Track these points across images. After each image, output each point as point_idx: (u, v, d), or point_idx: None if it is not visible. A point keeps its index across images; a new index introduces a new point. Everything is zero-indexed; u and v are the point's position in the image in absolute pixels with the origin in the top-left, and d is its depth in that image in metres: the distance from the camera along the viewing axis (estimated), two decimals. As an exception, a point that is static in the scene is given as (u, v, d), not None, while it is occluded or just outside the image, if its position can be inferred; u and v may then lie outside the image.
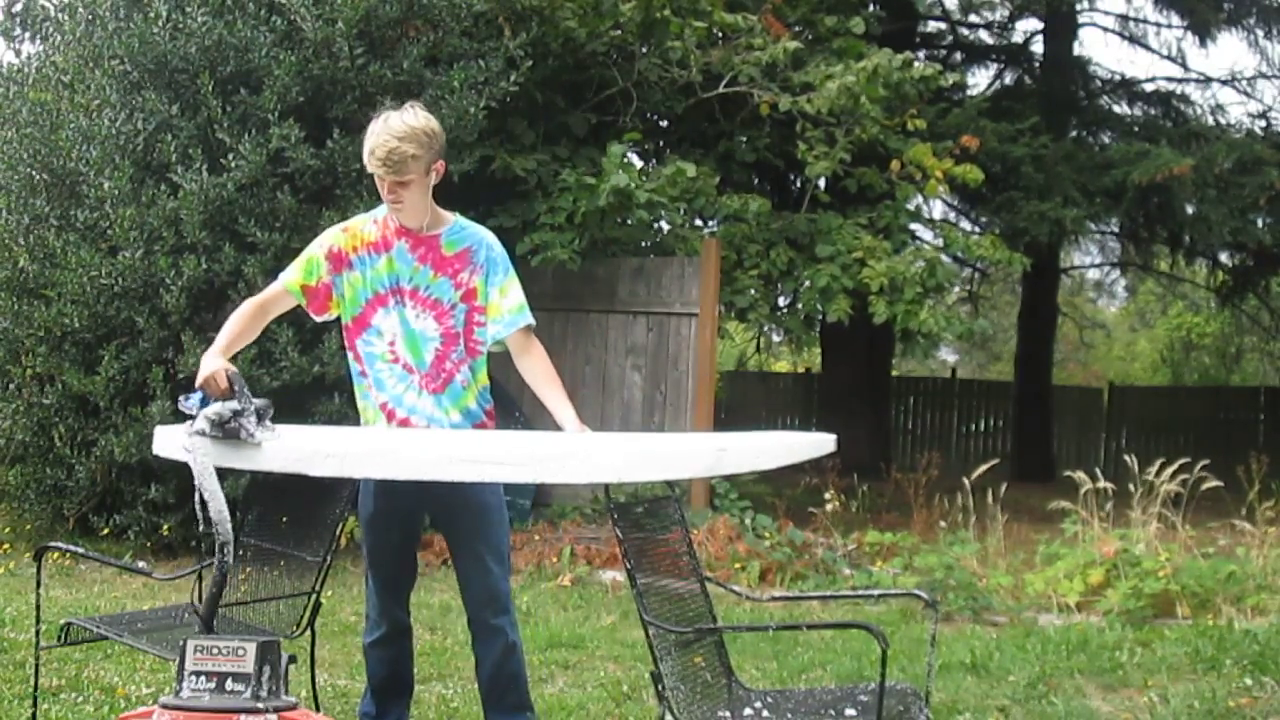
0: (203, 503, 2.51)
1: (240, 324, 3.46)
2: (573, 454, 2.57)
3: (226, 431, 2.69)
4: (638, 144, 9.88)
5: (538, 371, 3.58)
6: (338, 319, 3.70)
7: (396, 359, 3.59)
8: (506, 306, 3.59)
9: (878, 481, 9.96)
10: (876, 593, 6.37)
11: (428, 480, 2.67)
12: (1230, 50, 32.46)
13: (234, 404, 2.72)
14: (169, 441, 2.77)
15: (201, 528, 2.53)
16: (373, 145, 3.40)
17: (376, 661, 3.76)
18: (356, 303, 3.59)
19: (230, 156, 7.23)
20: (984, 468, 7.32)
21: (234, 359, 3.32)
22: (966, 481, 7.30)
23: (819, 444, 2.98)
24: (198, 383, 3.01)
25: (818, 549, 7.69)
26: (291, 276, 3.57)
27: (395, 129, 3.39)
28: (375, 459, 2.64)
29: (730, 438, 3.21)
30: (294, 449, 2.65)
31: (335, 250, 3.56)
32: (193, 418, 2.72)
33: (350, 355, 3.69)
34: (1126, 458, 7.31)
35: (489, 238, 3.67)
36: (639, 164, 10.32)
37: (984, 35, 17.43)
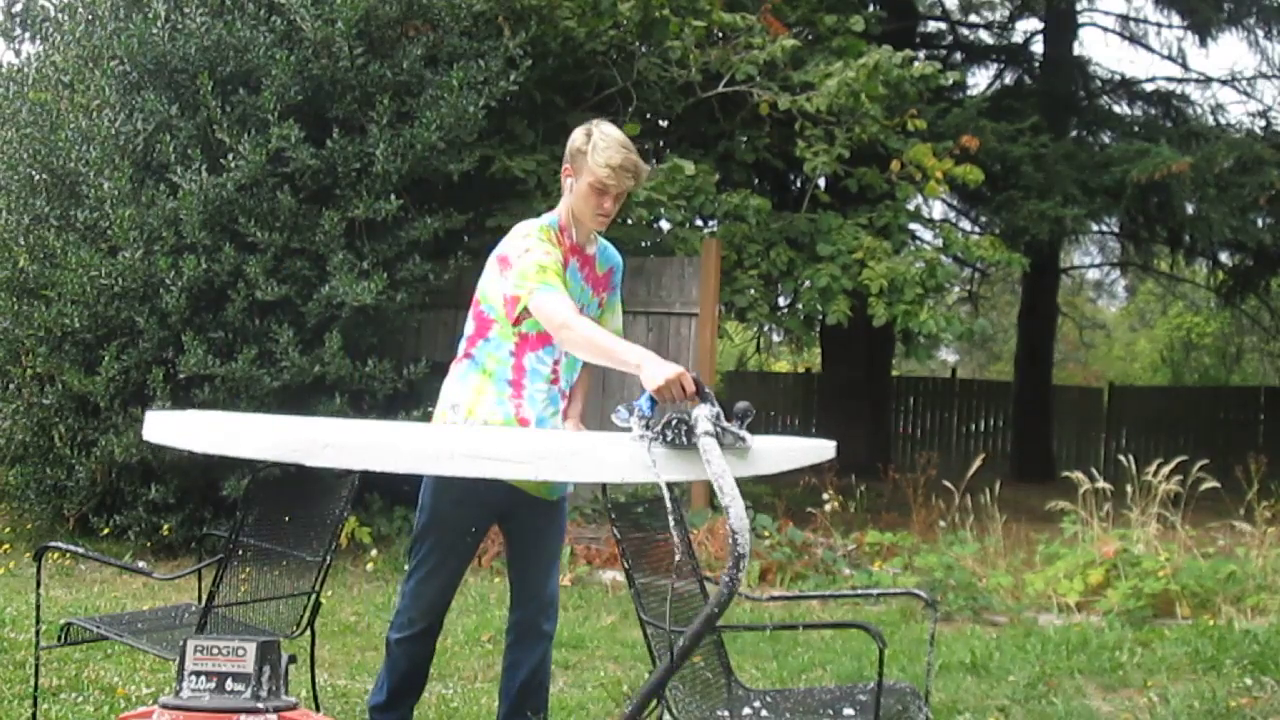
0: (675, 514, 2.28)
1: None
2: (578, 451, 2.55)
3: (717, 438, 2.41)
4: (637, 143, 9.86)
5: (581, 379, 3.67)
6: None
7: (556, 380, 3.51)
8: (614, 325, 3.66)
9: (877, 481, 9.96)
10: (876, 592, 6.37)
11: (514, 486, 2.62)
12: (1230, 50, 32.50)
13: (712, 407, 2.47)
14: (174, 430, 2.67)
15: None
16: (617, 159, 3.33)
17: (403, 656, 3.70)
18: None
19: (230, 156, 7.23)
20: (975, 466, 7.32)
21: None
22: (952, 487, 7.30)
23: (819, 450, 2.97)
24: (652, 388, 2.81)
25: (817, 549, 7.69)
26: (557, 281, 3.31)
27: (627, 142, 3.38)
28: (374, 451, 2.61)
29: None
30: (291, 439, 2.61)
31: (560, 260, 3.40)
32: (644, 429, 2.46)
33: (502, 360, 3.48)
34: (1122, 458, 7.31)
35: (621, 260, 3.72)
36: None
37: (984, 35, 17.47)
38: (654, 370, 2.88)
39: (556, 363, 3.51)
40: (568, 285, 3.38)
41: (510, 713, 3.68)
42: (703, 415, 2.41)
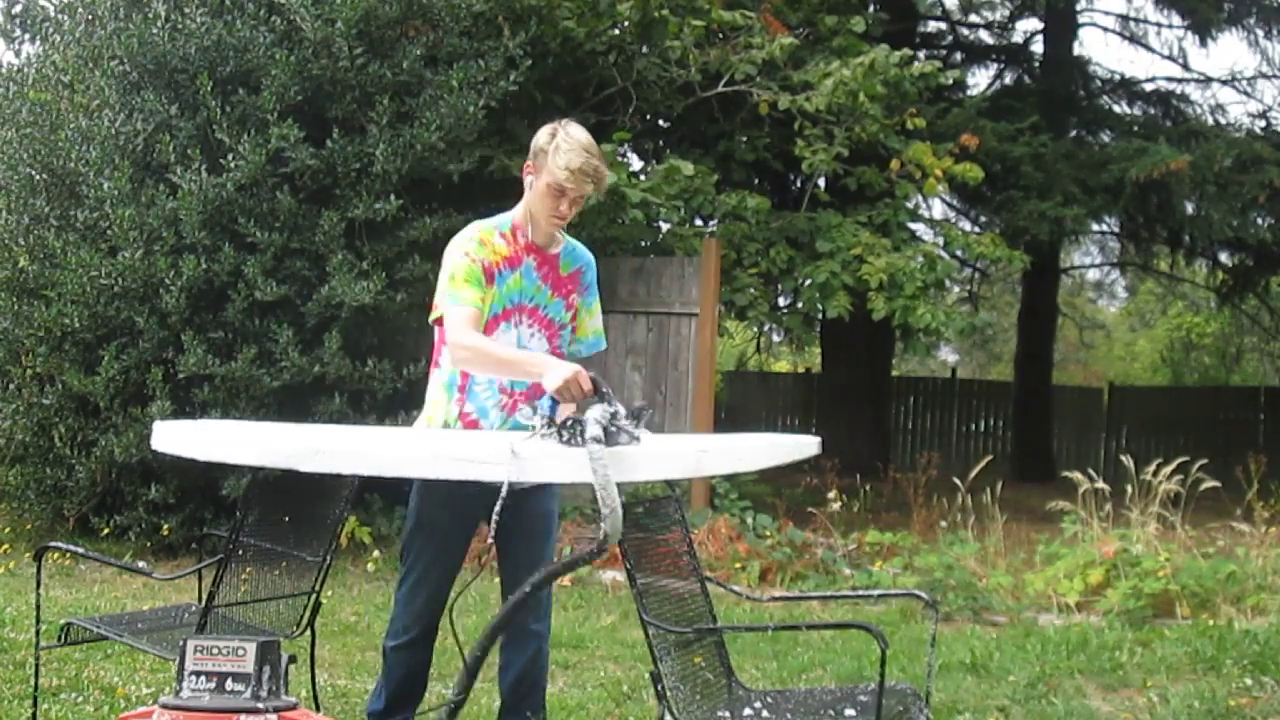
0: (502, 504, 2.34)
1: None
2: (554, 454, 2.57)
3: (609, 438, 2.44)
4: (637, 144, 9.88)
5: None
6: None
7: (499, 379, 3.49)
8: (593, 328, 3.66)
9: (877, 481, 9.96)
10: (876, 593, 6.36)
11: (495, 486, 2.63)
12: (1230, 50, 32.49)
13: (608, 406, 2.50)
14: (178, 438, 2.73)
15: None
16: (577, 162, 3.32)
17: (399, 664, 3.70)
18: (483, 318, 3.44)
19: (229, 156, 7.23)
20: (979, 467, 7.32)
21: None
22: (959, 483, 7.30)
23: (803, 446, 2.98)
24: (550, 390, 2.94)
25: (818, 549, 7.69)
26: (470, 296, 3.36)
27: (590, 145, 3.36)
28: (362, 456, 2.64)
29: (712, 439, 3.21)
30: (283, 446, 2.64)
31: (486, 264, 3.43)
32: (548, 428, 2.51)
33: (452, 365, 3.52)
34: (1122, 458, 7.31)
35: (591, 258, 3.68)
36: (638, 164, 10.32)
37: (984, 35, 17.47)
38: (553, 373, 2.99)
39: None
40: (520, 283, 3.44)
41: (506, 712, 3.68)
42: (593, 416, 2.44)
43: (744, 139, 10.20)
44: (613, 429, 2.47)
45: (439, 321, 3.46)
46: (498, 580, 3.77)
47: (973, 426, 18.35)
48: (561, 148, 3.34)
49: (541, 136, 3.41)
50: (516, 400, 3.51)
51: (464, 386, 3.50)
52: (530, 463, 2.56)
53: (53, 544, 4.27)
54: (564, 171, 3.33)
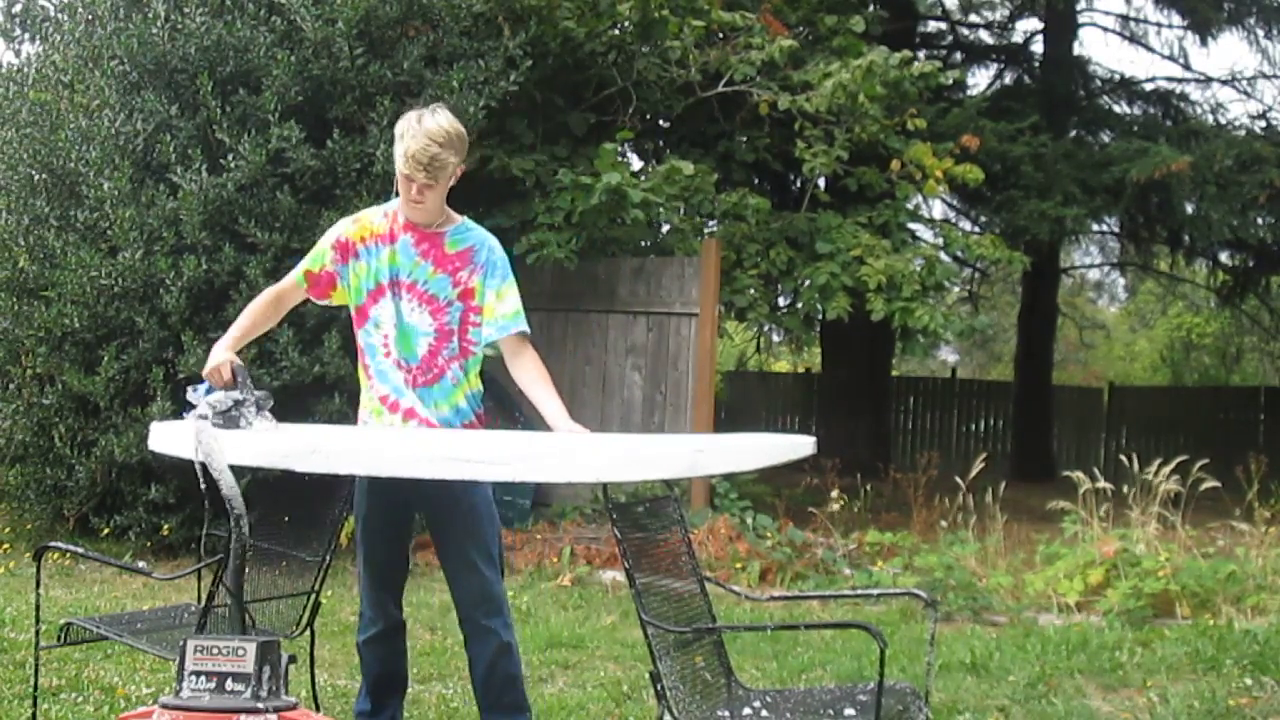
0: (209, 483, 2.54)
1: (252, 316, 3.72)
2: (550, 453, 2.58)
3: (227, 420, 2.79)
4: (637, 144, 9.87)
5: (529, 374, 3.58)
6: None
7: (389, 353, 3.63)
8: (501, 311, 3.61)
9: (877, 481, 9.96)
10: (876, 592, 6.37)
11: (416, 479, 2.70)
12: (1230, 50, 32.45)
13: (236, 394, 2.90)
14: (168, 437, 2.77)
15: (207, 516, 2.55)
16: (413, 149, 3.41)
17: (372, 658, 3.76)
18: (359, 293, 3.64)
19: (230, 157, 7.23)
20: (978, 467, 7.32)
21: (240, 355, 3.42)
22: (959, 483, 7.30)
23: (797, 446, 2.99)
24: (204, 372, 3.26)
25: (818, 549, 7.69)
26: (300, 266, 3.72)
27: (435, 133, 3.42)
28: (359, 456, 2.66)
29: (708, 439, 3.22)
30: (281, 445, 2.66)
31: (343, 240, 3.64)
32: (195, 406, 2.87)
33: (358, 349, 3.73)
34: (1122, 458, 7.31)
35: (491, 240, 3.70)
36: (639, 164, 10.32)
37: (984, 35, 17.47)
38: (211, 354, 3.43)
39: (386, 336, 3.62)
40: (394, 259, 3.59)
41: (487, 711, 3.72)
42: (209, 399, 2.94)
43: (744, 139, 10.20)
44: (233, 414, 2.84)
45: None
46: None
47: (973, 426, 18.35)
48: (407, 134, 3.45)
49: (400, 124, 3.50)
50: (416, 375, 3.61)
51: (370, 371, 3.67)
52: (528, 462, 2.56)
53: (53, 544, 4.26)
54: (401, 158, 3.46)
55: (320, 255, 3.68)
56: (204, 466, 2.56)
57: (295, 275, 3.74)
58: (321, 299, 3.75)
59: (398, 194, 3.60)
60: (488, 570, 3.62)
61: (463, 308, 3.62)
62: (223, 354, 3.37)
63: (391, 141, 7.41)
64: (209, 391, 3.01)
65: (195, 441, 2.56)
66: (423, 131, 3.41)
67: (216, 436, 2.59)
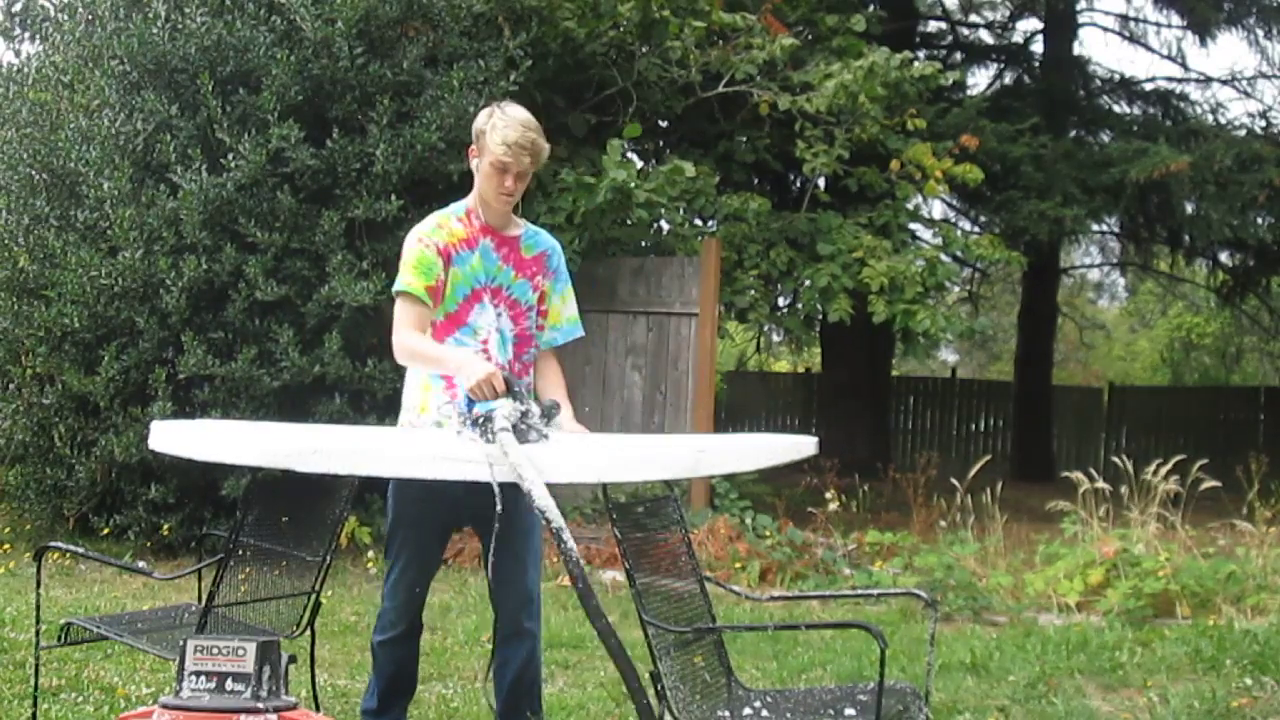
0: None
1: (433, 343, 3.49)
2: (551, 453, 2.58)
3: (519, 434, 2.60)
4: (638, 144, 9.86)
5: (553, 378, 3.65)
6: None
7: (489, 358, 3.50)
8: (567, 315, 3.69)
9: (877, 481, 9.96)
10: (876, 592, 6.37)
11: (473, 483, 2.66)
12: (1230, 50, 32.45)
13: (518, 404, 2.71)
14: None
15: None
16: (512, 136, 3.38)
17: (387, 660, 3.73)
18: (454, 299, 3.51)
19: (230, 156, 7.24)
20: (978, 467, 7.32)
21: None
22: (959, 483, 7.30)
23: (798, 446, 3.00)
24: (468, 386, 3.10)
25: (818, 549, 7.69)
26: (414, 282, 3.44)
27: (528, 121, 3.42)
28: (360, 456, 2.65)
29: (709, 440, 3.22)
30: (282, 446, 2.64)
31: (443, 247, 3.49)
32: (477, 423, 2.66)
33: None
34: (1118, 459, 7.30)
35: (558, 245, 3.73)
36: (639, 164, 10.32)
37: (984, 35, 17.48)
38: (469, 371, 3.16)
39: (485, 340, 3.54)
40: (482, 263, 3.51)
41: (505, 711, 3.69)
42: (501, 412, 2.63)
43: (744, 139, 10.20)
44: (522, 426, 2.65)
45: None
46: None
47: (973, 426, 18.34)
48: (498, 125, 3.42)
49: (480, 119, 3.48)
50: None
51: (448, 376, 3.53)
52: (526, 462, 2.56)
53: (53, 544, 4.27)
54: (501, 146, 3.40)
55: (431, 265, 3.45)
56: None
57: (415, 297, 3.43)
58: (437, 308, 3.58)
59: (471, 195, 3.56)
60: (534, 571, 3.65)
61: (537, 312, 3.64)
62: (487, 364, 3.16)
63: (391, 141, 7.47)
64: (470, 405, 2.80)
65: (506, 456, 2.44)
66: (515, 120, 3.40)
67: (528, 453, 2.50)
